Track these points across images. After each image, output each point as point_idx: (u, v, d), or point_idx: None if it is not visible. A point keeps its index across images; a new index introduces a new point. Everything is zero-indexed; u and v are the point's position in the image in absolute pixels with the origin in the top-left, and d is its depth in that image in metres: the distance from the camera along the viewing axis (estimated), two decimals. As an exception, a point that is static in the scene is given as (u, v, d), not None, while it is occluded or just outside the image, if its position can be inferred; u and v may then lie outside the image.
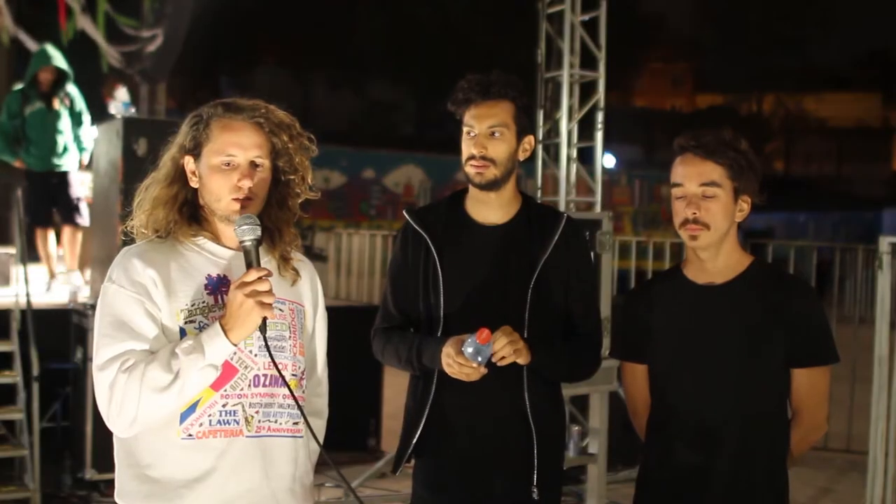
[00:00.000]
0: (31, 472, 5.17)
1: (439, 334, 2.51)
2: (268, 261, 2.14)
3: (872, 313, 5.29)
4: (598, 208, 6.38)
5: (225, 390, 2.03)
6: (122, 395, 1.94)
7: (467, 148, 2.53)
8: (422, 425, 2.54)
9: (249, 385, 2.05)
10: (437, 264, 2.54)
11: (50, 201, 7.28)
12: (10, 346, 5.49)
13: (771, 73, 40.91)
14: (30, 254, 6.76)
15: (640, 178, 23.08)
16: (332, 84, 33.80)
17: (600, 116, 6.39)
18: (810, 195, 34.95)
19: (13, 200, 6.75)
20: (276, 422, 2.09)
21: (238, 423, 2.03)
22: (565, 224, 2.58)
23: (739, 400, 2.33)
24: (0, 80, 10.46)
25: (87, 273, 7.03)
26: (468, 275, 2.53)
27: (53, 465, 5.48)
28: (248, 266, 2.01)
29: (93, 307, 5.33)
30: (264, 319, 1.99)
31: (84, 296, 6.23)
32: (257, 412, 2.06)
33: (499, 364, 2.36)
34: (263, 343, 2.02)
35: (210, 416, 2.01)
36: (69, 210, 7.33)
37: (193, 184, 2.12)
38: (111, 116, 6.78)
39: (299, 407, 2.08)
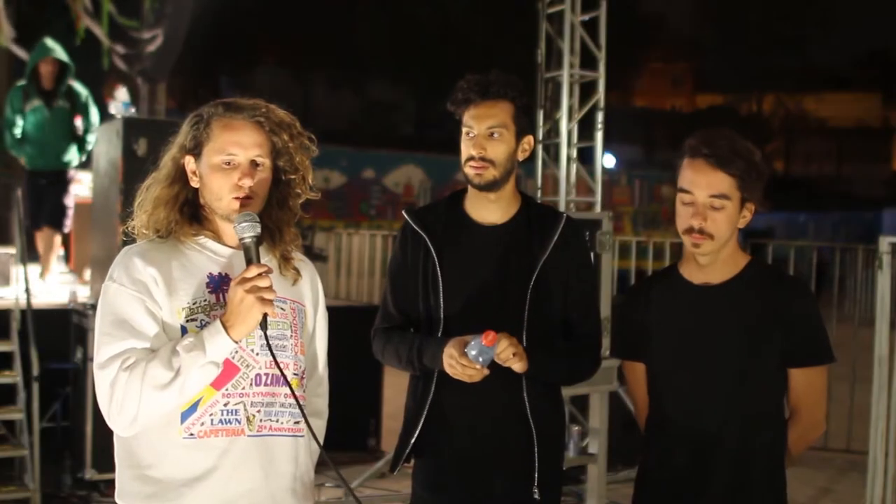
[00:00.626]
0: (31, 472, 5.17)
1: (439, 334, 2.51)
2: (268, 260, 2.14)
3: (872, 313, 5.29)
4: (598, 208, 6.38)
5: (226, 389, 2.03)
6: (123, 394, 1.94)
7: (466, 149, 2.53)
8: (420, 425, 2.54)
9: (251, 384, 2.05)
10: (437, 264, 2.54)
11: (37, 202, 7.17)
12: (10, 346, 5.49)
13: (771, 73, 40.90)
14: (30, 254, 6.76)
15: (640, 178, 23.08)
16: (332, 84, 33.80)
17: (600, 116, 6.39)
18: (810, 195, 34.95)
19: (13, 200, 6.73)
20: (277, 421, 2.09)
21: (240, 423, 2.03)
22: (565, 224, 2.58)
23: (738, 400, 2.33)
24: (0, 82, 10.46)
25: (87, 273, 7.02)
26: (468, 275, 2.53)
27: (53, 465, 5.48)
28: (248, 263, 2.01)
29: (93, 307, 5.35)
30: (265, 316, 1.99)
31: (84, 296, 6.23)
32: (259, 411, 2.06)
33: (501, 364, 2.36)
34: (265, 341, 2.01)
35: (211, 415, 2.01)
36: (52, 213, 7.21)
37: (194, 183, 2.13)
38: (111, 116, 6.77)
39: (300, 406, 2.08)
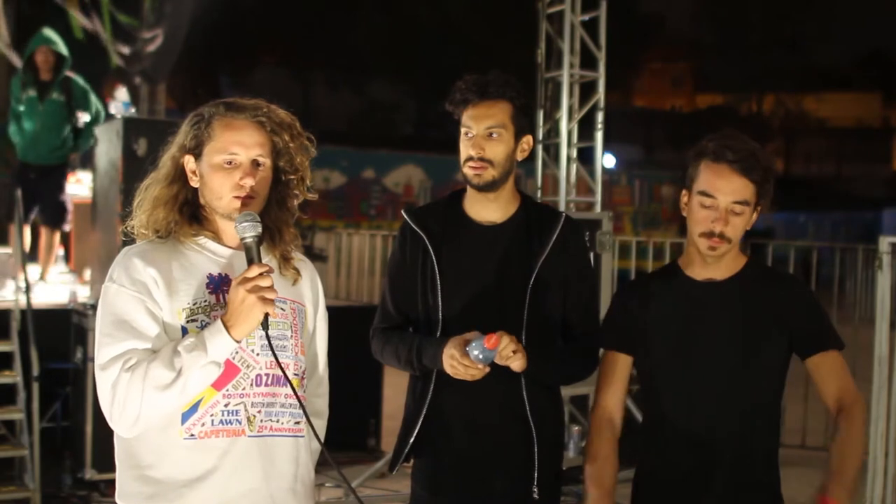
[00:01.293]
0: (31, 472, 5.17)
1: (438, 334, 2.51)
2: (268, 260, 2.14)
3: (872, 313, 5.29)
4: (598, 208, 6.38)
5: (227, 390, 2.02)
6: (125, 394, 1.94)
7: (465, 149, 2.53)
8: (419, 425, 2.54)
9: (251, 384, 2.05)
10: (436, 264, 2.54)
11: (29, 197, 6.95)
12: (10, 346, 5.49)
13: (771, 73, 40.89)
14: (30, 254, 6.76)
15: (640, 178, 23.09)
16: (332, 84, 33.82)
17: (600, 116, 6.40)
18: (810, 195, 34.94)
19: (13, 200, 6.72)
20: (277, 421, 2.09)
21: (240, 423, 2.03)
22: (564, 224, 2.57)
23: (736, 395, 2.34)
24: (0, 83, 10.47)
25: (87, 273, 7.01)
26: (466, 275, 2.53)
27: (53, 465, 5.48)
28: (250, 263, 2.01)
29: (93, 307, 5.36)
30: (266, 315, 1.99)
31: (84, 296, 6.23)
32: (259, 412, 2.06)
33: (500, 363, 2.36)
34: (266, 340, 2.02)
35: (212, 415, 2.01)
36: (48, 211, 7.08)
37: (194, 183, 2.12)
38: (111, 116, 6.77)
39: (302, 406, 2.08)
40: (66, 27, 9.67)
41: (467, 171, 2.52)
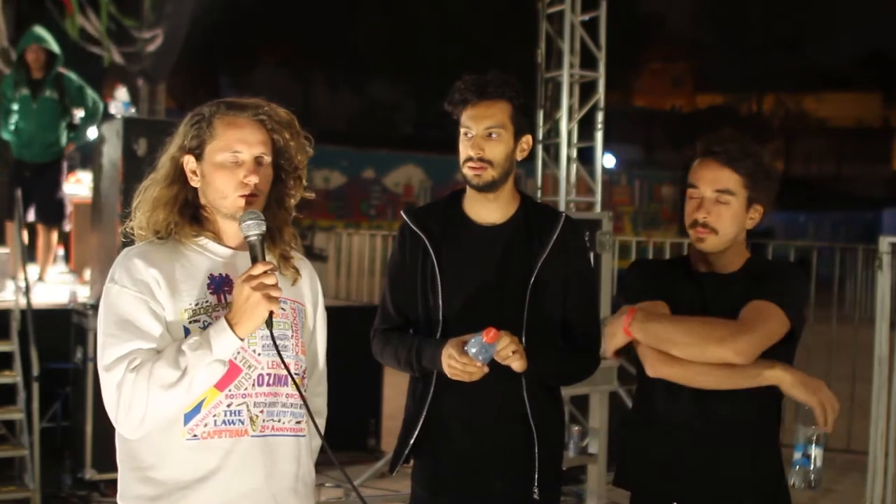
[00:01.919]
0: (31, 472, 5.17)
1: (438, 335, 2.51)
2: (269, 259, 2.14)
3: (872, 313, 5.29)
4: (598, 208, 6.38)
5: (229, 390, 2.03)
6: (131, 395, 1.93)
7: (464, 149, 2.52)
8: (419, 426, 2.54)
9: (253, 384, 2.06)
10: (435, 265, 2.54)
11: (26, 196, 6.85)
12: (10, 346, 5.49)
13: (771, 73, 40.89)
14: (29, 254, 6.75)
15: (640, 178, 23.10)
16: (332, 84, 33.83)
17: (600, 116, 6.39)
18: (810, 195, 34.93)
19: (12, 200, 6.70)
20: (279, 421, 2.09)
21: (243, 423, 2.03)
22: (564, 224, 2.57)
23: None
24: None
25: (87, 273, 7.01)
26: (466, 275, 2.53)
27: (53, 465, 5.47)
28: (254, 261, 2.01)
29: (93, 307, 5.36)
30: (270, 313, 1.99)
31: (84, 296, 6.23)
32: (262, 412, 2.06)
33: (501, 362, 2.36)
34: (270, 338, 2.02)
35: (215, 416, 2.01)
36: (44, 210, 7.01)
37: (194, 183, 2.12)
38: (111, 116, 6.76)
39: (306, 405, 2.08)
40: (65, 28, 9.67)
41: (467, 171, 2.52)
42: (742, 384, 2.27)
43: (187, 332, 2.01)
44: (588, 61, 6.40)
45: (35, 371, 5.24)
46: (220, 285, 2.08)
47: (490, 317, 2.39)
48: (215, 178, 2.08)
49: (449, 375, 2.40)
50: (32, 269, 6.98)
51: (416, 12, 31.32)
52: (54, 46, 6.99)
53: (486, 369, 2.35)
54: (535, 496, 2.49)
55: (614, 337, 2.34)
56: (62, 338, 5.72)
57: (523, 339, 2.45)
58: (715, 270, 2.43)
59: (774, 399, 2.39)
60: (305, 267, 2.28)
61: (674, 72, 46.20)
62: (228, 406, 2.03)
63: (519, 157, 2.57)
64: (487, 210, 2.57)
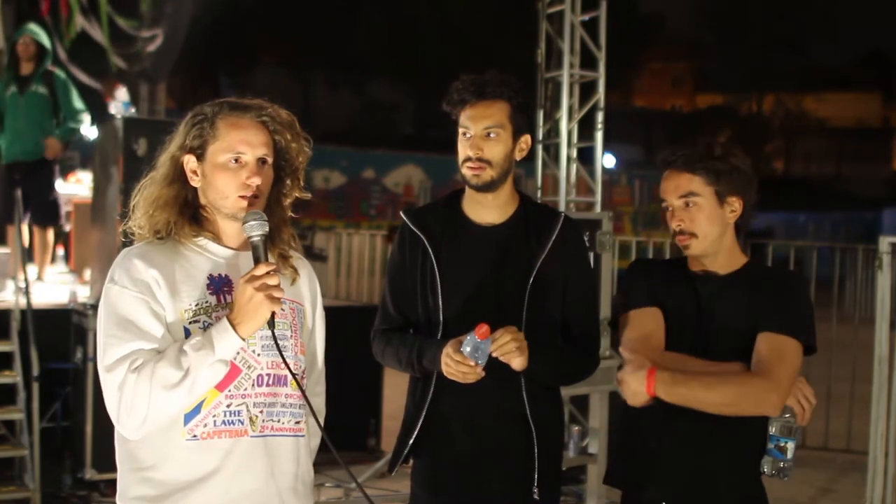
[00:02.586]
0: (31, 472, 5.17)
1: (439, 335, 2.51)
2: (270, 260, 2.14)
3: (872, 313, 5.29)
4: (598, 208, 6.37)
5: (229, 390, 2.03)
6: (132, 396, 1.93)
7: (463, 149, 2.53)
8: (419, 426, 2.54)
9: (253, 385, 2.06)
10: (435, 265, 2.54)
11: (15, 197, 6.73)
12: (10, 346, 5.49)
13: (771, 73, 40.91)
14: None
15: (640, 178, 23.11)
16: (332, 84, 33.84)
17: (600, 116, 6.39)
18: (810, 195, 34.94)
19: (12, 200, 6.69)
20: (278, 421, 2.09)
21: (243, 424, 2.03)
22: (563, 223, 2.57)
23: None
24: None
25: (87, 273, 7.01)
26: (466, 275, 2.53)
27: (53, 465, 5.47)
28: (257, 261, 2.01)
29: (93, 307, 5.36)
30: (272, 314, 2.00)
31: (84, 296, 6.23)
32: (261, 412, 2.06)
33: (501, 358, 2.35)
34: (270, 339, 2.02)
35: (215, 416, 2.01)
36: (36, 210, 6.90)
37: (194, 183, 2.12)
38: (111, 116, 6.76)
39: (308, 403, 2.09)
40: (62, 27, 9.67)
41: (466, 171, 2.52)
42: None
43: (187, 332, 2.01)
44: (588, 61, 6.39)
45: (35, 371, 5.24)
46: (219, 286, 2.08)
47: (489, 317, 2.39)
48: (217, 178, 2.08)
49: (446, 375, 2.40)
50: (31, 270, 6.96)
51: (416, 12, 31.34)
52: (45, 40, 6.90)
53: (482, 371, 2.34)
54: (535, 496, 2.50)
55: (636, 397, 2.34)
56: (62, 338, 5.72)
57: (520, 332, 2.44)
58: (710, 272, 2.43)
59: None
60: (304, 267, 2.28)
61: (674, 72, 46.22)
62: (228, 406, 2.02)
63: (518, 156, 2.57)
64: (487, 210, 2.57)
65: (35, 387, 5.24)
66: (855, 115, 44.14)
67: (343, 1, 29.54)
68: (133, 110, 7.62)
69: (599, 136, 6.43)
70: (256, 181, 2.06)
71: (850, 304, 9.28)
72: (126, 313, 1.99)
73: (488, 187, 2.52)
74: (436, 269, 2.53)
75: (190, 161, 2.11)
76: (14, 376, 5.40)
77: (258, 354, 2.06)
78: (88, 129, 7.23)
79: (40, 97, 6.85)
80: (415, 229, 2.58)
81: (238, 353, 2.02)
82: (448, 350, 2.36)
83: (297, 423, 2.13)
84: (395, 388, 5.54)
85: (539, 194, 6.47)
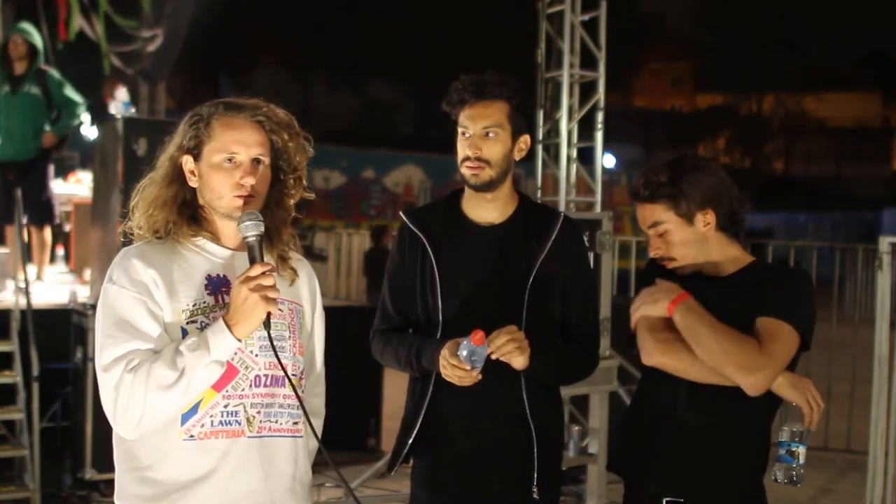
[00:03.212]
0: (31, 472, 5.17)
1: (438, 335, 2.51)
2: (267, 260, 2.13)
3: (872, 313, 5.29)
4: (598, 208, 6.38)
5: (226, 391, 2.02)
6: (128, 395, 1.93)
7: (462, 149, 2.53)
8: (418, 426, 2.54)
9: (250, 385, 2.05)
10: (434, 265, 2.54)
11: (8, 197, 6.67)
12: (10, 346, 5.48)
13: (771, 73, 40.93)
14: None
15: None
16: (332, 84, 33.85)
17: (600, 116, 6.39)
18: (810, 195, 34.94)
19: (11, 200, 6.69)
20: (276, 422, 2.09)
21: (240, 424, 2.03)
22: (563, 223, 2.57)
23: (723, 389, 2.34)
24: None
25: (87, 273, 7.01)
26: (465, 275, 2.53)
27: (53, 465, 5.47)
28: (252, 262, 2.00)
29: (93, 307, 5.35)
30: (268, 315, 1.99)
31: (84, 296, 6.23)
32: (258, 412, 2.06)
33: (501, 360, 2.35)
34: (268, 340, 2.02)
35: (212, 416, 2.01)
36: (30, 210, 6.84)
37: (192, 183, 2.12)
38: (111, 116, 6.75)
39: (302, 406, 2.08)
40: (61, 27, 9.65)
41: (465, 171, 2.52)
42: (724, 380, 2.31)
43: (185, 332, 2.01)
44: (588, 61, 6.40)
45: (35, 371, 5.24)
46: (217, 286, 2.08)
47: (489, 316, 2.39)
48: (212, 178, 2.08)
49: (443, 377, 2.40)
50: (30, 270, 6.95)
51: (416, 12, 31.34)
52: (37, 40, 6.86)
53: (478, 376, 2.34)
54: (535, 496, 2.49)
55: (655, 304, 2.37)
56: (62, 338, 5.72)
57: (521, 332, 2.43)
58: (713, 275, 2.44)
59: (773, 399, 2.39)
60: (304, 267, 2.28)
61: (674, 72, 46.24)
62: (225, 407, 2.02)
63: (517, 156, 2.57)
64: (486, 210, 2.57)
65: (35, 387, 5.23)
66: (855, 115, 44.15)
67: (343, 1, 29.54)
68: (133, 110, 7.61)
69: (599, 136, 6.43)
70: (250, 181, 2.06)
71: (850, 304, 9.28)
72: (123, 313, 1.99)
73: (487, 187, 2.52)
74: (435, 269, 2.53)
75: (188, 161, 2.11)
76: (14, 376, 5.40)
77: (256, 355, 2.06)
78: (88, 129, 7.22)
79: (33, 97, 6.83)
80: (414, 229, 2.58)
81: (235, 353, 2.02)
82: (444, 353, 2.36)
83: (295, 423, 2.12)
84: (395, 388, 5.54)
85: (539, 194, 6.48)
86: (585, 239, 2.96)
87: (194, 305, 2.04)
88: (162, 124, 5.59)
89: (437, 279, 2.52)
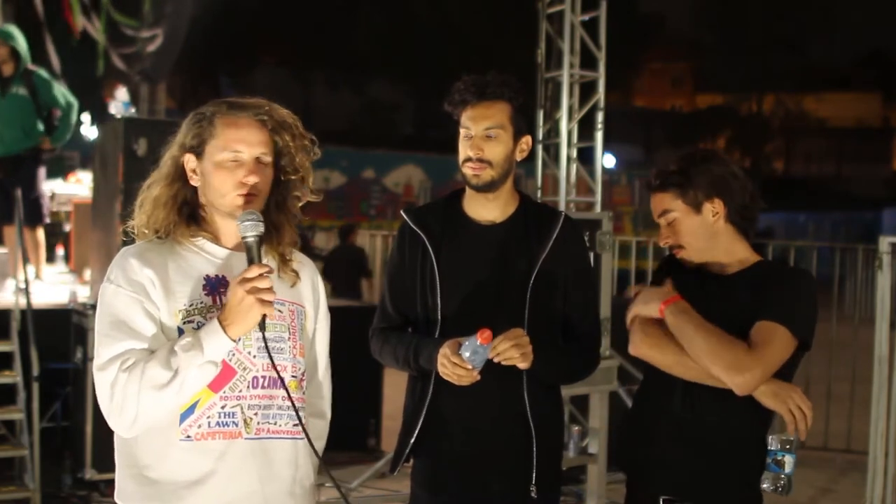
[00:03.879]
0: (31, 472, 5.16)
1: (437, 334, 2.51)
2: (268, 261, 2.13)
3: (872, 313, 5.29)
4: (598, 208, 6.37)
5: (224, 392, 2.02)
6: (123, 394, 1.94)
7: (464, 150, 2.53)
8: (419, 426, 2.54)
9: (248, 387, 2.05)
10: (435, 264, 2.54)
11: (2, 200, 6.67)
12: (10, 346, 5.48)
13: (771, 73, 40.89)
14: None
15: (640, 178, 23.07)
16: (332, 84, 33.85)
17: (600, 116, 6.39)
18: (810, 195, 34.93)
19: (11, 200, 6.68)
20: (275, 424, 2.08)
21: (237, 425, 2.03)
22: (563, 223, 2.57)
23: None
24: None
25: (87, 273, 7.00)
26: (466, 275, 2.53)
27: (53, 465, 5.47)
28: (250, 262, 2.00)
29: (93, 307, 5.33)
30: (263, 317, 1.98)
31: (84, 296, 6.23)
32: (256, 414, 2.05)
33: (503, 363, 2.35)
34: (263, 343, 2.01)
35: (209, 417, 2.01)
36: (25, 211, 6.67)
37: (194, 182, 2.11)
38: (111, 116, 6.76)
39: (295, 409, 2.07)
40: (64, 30, 9.66)
41: (466, 171, 2.52)
42: (715, 382, 2.32)
43: (181, 332, 2.01)
44: (588, 61, 6.39)
45: (35, 371, 5.24)
46: (215, 286, 2.08)
47: (490, 316, 2.39)
48: (214, 177, 2.07)
49: (441, 376, 2.40)
50: (28, 270, 6.94)
51: (416, 12, 31.33)
52: (19, 43, 6.79)
53: (477, 376, 2.34)
54: (534, 495, 2.49)
55: (647, 305, 2.41)
56: (62, 338, 5.72)
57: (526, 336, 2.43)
58: (718, 272, 2.45)
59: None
60: (306, 268, 2.27)
61: (674, 72, 46.21)
62: (223, 408, 2.02)
63: (518, 157, 2.57)
64: (487, 209, 2.57)
65: (35, 387, 5.23)
66: (855, 115, 44.14)
67: (343, 1, 29.53)
68: (133, 110, 7.61)
69: (599, 136, 6.43)
70: (253, 179, 2.06)
71: (850, 304, 9.28)
72: (120, 313, 2.00)
73: (489, 187, 2.52)
74: (435, 269, 2.53)
75: (189, 160, 2.11)
76: (14, 376, 5.40)
77: (254, 356, 2.05)
78: (88, 129, 7.22)
79: (21, 98, 6.79)
80: (415, 228, 2.58)
81: (233, 354, 2.02)
82: (446, 351, 2.36)
83: (296, 425, 2.11)
84: (395, 387, 5.54)
85: (539, 194, 6.47)
86: (585, 239, 2.96)
87: (191, 305, 2.03)
88: (162, 124, 5.59)
89: (438, 278, 2.52)
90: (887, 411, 4.97)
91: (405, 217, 2.63)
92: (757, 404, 2.34)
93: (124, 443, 2.06)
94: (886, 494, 4.94)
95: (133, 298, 2.00)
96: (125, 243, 2.18)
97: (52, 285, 7.27)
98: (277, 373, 2.04)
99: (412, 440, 2.55)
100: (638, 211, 22.52)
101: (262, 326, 2.00)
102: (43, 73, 7.01)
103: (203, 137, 2.09)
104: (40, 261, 7.29)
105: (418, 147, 22.96)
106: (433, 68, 26.74)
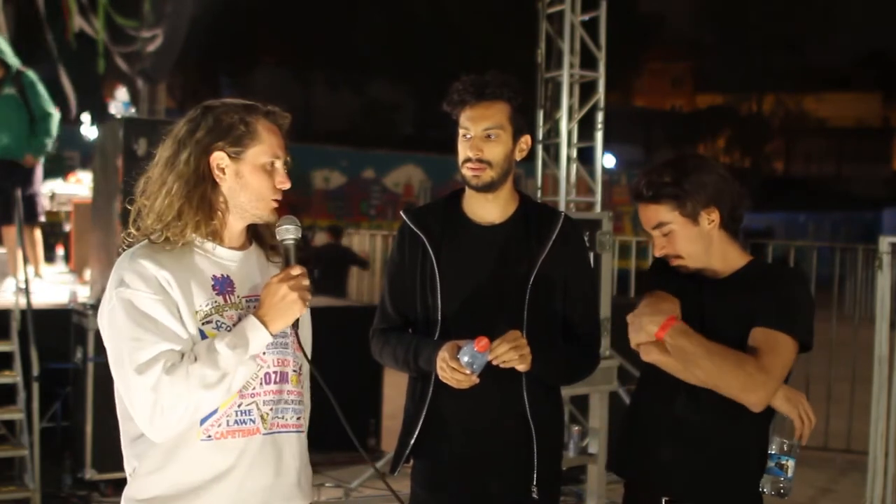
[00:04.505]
0: (31, 472, 5.16)
1: (437, 335, 2.51)
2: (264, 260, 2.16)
3: (872, 313, 5.29)
4: (598, 208, 6.38)
5: (241, 390, 2.05)
6: (170, 396, 1.93)
7: (463, 150, 2.53)
8: (419, 426, 2.54)
9: (261, 383, 2.09)
10: (435, 264, 2.54)
11: (7, 196, 6.61)
12: (10, 346, 5.48)
13: (771, 73, 40.93)
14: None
15: (641, 179, 23.06)
16: (332, 84, 33.86)
17: (600, 116, 6.39)
18: (810, 195, 34.93)
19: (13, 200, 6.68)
20: (283, 418, 2.13)
21: (254, 422, 2.07)
22: (563, 223, 2.57)
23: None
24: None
25: (87, 273, 7.00)
26: (465, 275, 2.53)
27: (53, 465, 5.47)
28: (288, 262, 2.06)
29: (93, 307, 5.35)
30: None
31: (84, 296, 6.23)
32: (270, 410, 2.10)
33: (501, 366, 2.35)
34: (282, 337, 2.09)
35: (228, 416, 2.04)
36: (11, 207, 6.65)
37: (221, 182, 2.09)
38: (111, 116, 6.76)
39: (321, 396, 2.13)
40: (63, 30, 9.66)
41: (466, 172, 2.52)
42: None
43: (202, 333, 2.01)
44: (588, 61, 6.40)
45: (35, 371, 5.24)
46: (224, 286, 2.10)
47: (490, 316, 2.39)
48: (254, 179, 2.09)
49: (440, 378, 2.40)
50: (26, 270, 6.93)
51: (416, 12, 31.34)
52: (9, 57, 6.75)
53: (476, 380, 2.34)
54: (534, 495, 2.49)
55: (640, 331, 2.36)
56: (62, 338, 5.72)
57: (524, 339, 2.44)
58: (711, 276, 2.44)
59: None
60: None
61: (674, 72, 46.23)
62: (239, 406, 2.05)
63: (518, 157, 2.57)
64: (486, 210, 2.57)
65: (35, 387, 5.23)
66: (855, 115, 44.16)
67: (343, 1, 29.54)
68: (133, 110, 7.61)
69: (599, 136, 6.43)
70: (288, 185, 2.12)
71: (850, 304, 9.29)
72: (145, 315, 1.98)
73: (488, 188, 2.52)
74: (435, 269, 2.53)
75: (221, 159, 2.08)
76: (14, 376, 5.40)
77: (264, 353, 2.08)
78: (88, 129, 7.21)
79: (12, 99, 6.77)
80: (415, 228, 2.58)
81: None
82: (444, 356, 2.36)
83: (298, 418, 2.17)
84: (395, 388, 5.54)
85: (539, 194, 6.47)
86: (585, 239, 2.95)
87: (208, 306, 2.05)
88: (162, 124, 5.57)
89: (437, 279, 2.52)
90: (887, 411, 4.97)
91: (405, 217, 2.63)
92: (759, 413, 2.35)
93: (138, 445, 2.05)
94: (886, 494, 4.94)
95: (156, 300, 1.99)
96: (129, 243, 2.14)
97: (52, 285, 7.27)
98: (310, 363, 2.13)
99: (412, 441, 2.55)
100: (638, 211, 22.54)
101: (295, 324, 2.07)
102: (31, 73, 6.98)
103: (243, 140, 2.08)
104: (38, 259, 7.29)
105: (418, 147, 22.97)
106: (433, 68, 26.74)
